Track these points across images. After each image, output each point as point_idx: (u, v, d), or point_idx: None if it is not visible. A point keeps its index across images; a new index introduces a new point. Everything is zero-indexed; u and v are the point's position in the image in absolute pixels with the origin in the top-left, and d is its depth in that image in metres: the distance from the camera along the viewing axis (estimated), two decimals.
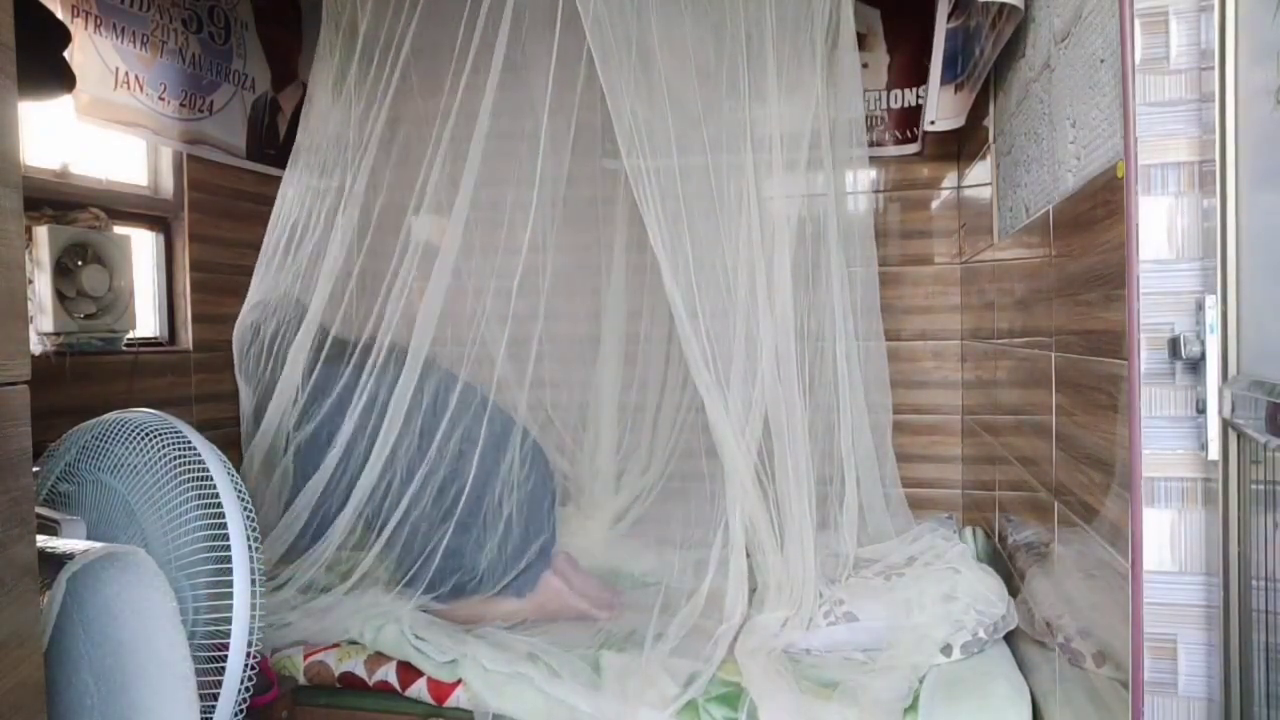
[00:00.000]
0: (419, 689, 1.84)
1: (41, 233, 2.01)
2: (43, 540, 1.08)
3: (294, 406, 2.30)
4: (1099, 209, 1.22)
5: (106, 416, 1.57)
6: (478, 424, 2.22)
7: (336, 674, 1.90)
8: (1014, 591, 1.89)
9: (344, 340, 2.35)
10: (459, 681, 1.82)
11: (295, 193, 2.41)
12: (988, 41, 1.94)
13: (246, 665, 1.38)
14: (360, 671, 1.89)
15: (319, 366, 2.30)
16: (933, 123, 2.39)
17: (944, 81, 2.34)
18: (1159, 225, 1.06)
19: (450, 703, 1.82)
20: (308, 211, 2.37)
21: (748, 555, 2.00)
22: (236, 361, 2.44)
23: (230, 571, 1.40)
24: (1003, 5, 1.71)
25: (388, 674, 1.87)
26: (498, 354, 2.35)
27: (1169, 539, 1.06)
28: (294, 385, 2.30)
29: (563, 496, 2.83)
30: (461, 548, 2.14)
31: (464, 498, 2.15)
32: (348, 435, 2.19)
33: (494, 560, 2.15)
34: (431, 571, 2.11)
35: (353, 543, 2.26)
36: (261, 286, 2.42)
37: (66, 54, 1.98)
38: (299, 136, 2.44)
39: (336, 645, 1.95)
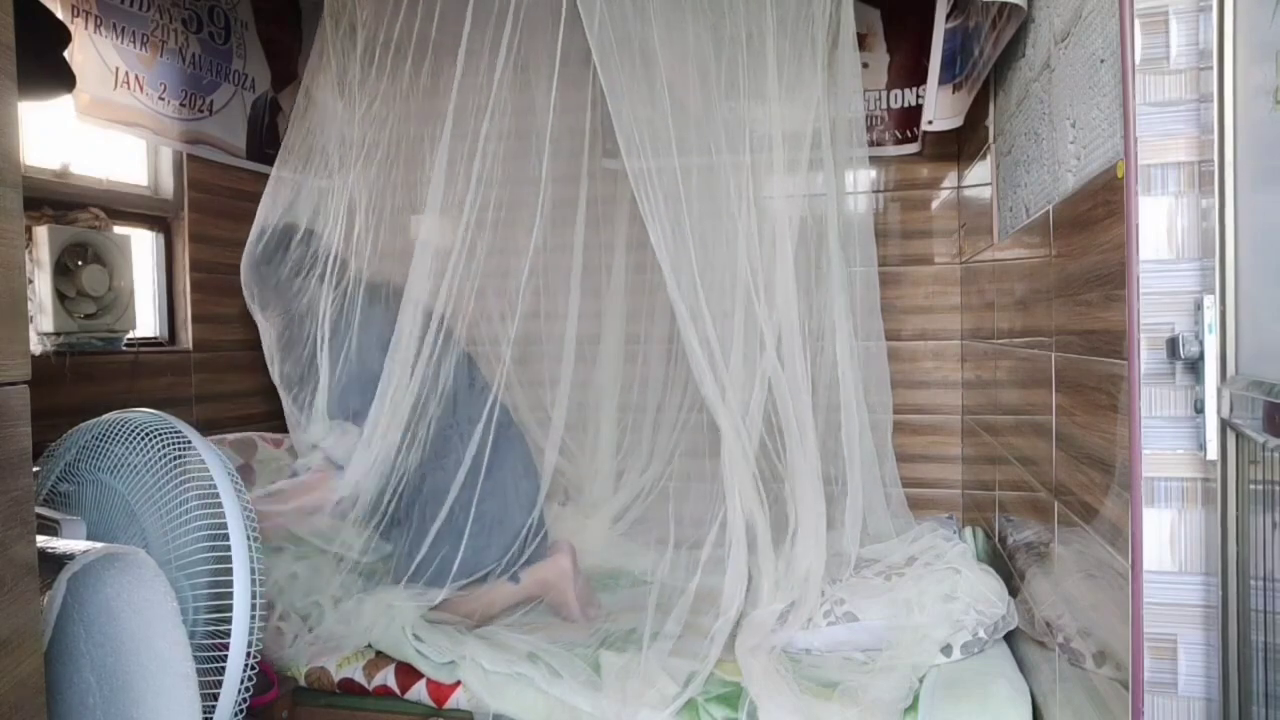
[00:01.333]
0: (418, 691, 1.85)
1: (41, 233, 2.01)
2: (43, 540, 1.09)
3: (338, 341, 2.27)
4: (1099, 209, 1.22)
5: (106, 416, 1.57)
6: (491, 417, 2.22)
7: (336, 680, 1.90)
8: (1014, 591, 1.89)
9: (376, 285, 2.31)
10: (458, 683, 1.82)
11: (289, 191, 2.39)
12: (988, 41, 1.94)
13: (246, 665, 1.38)
14: (359, 677, 1.89)
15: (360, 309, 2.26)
16: (930, 122, 2.39)
17: (942, 81, 2.34)
18: (1159, 225, 1.06)
19: (450, 704, 1.82)
20: (312, 210, 2.37)
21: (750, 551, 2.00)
22: (251, 294, 2.37)
23: (230, 571, 1.40)
24: (1004, 5, 1.71)
25: (386, 678, 1.87)
26: (500, 353, 2.35)
27: (1169, 539, 1.06)
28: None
29: (562, 496, 2.83)
30: (475, 544, 2.15)
31: (472, 482, 2.15)
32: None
33: (501, 544, 2.15)
34: (437, 561, 2.10)
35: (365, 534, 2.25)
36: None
37: (66, 54, 1.98)
38: (289, 135, 2.42)
39: (338, 648, 1.95)
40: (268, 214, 2.36)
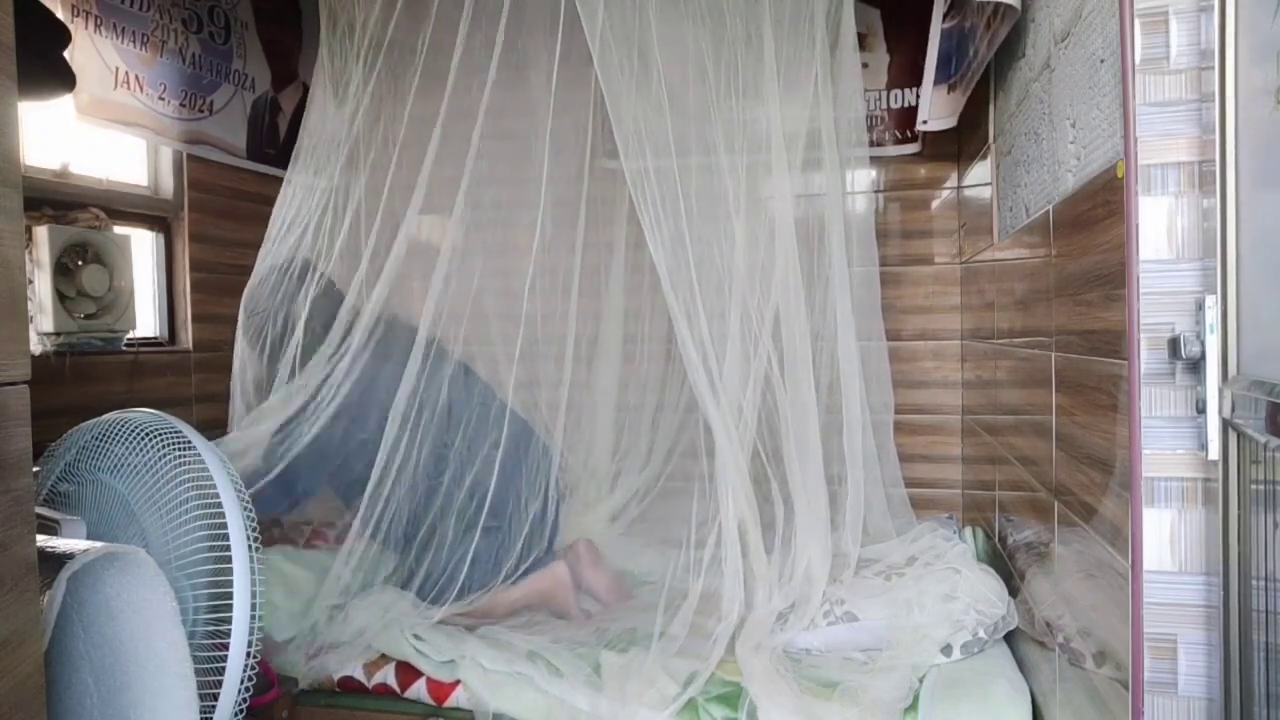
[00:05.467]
0: (418, 690, 1.84)
1: (41, 233, 2.01)
2: (43, 540, 1.08)
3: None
4: (1099, 209, 1.22)
5: (106, 416, 1.57)
6: (498, 428, 2.21)
7: (335, 678, 1.89)
8: (1014, 591, 1.89)
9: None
10: (458, 681, 1.82)
11: (294, 193, 2.39)
12: (982, 42, 1.94)
13: (246, 665, 1.38)
14: (359, 675, 1.89)
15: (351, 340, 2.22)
16: (925, 122, 2.39)
17: (938, 81, 2.34)
18: (1159, 225, 1.06)
19: (450, 703, 1.82)
20: (309, 211, 2.36)
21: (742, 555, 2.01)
22: (243, 320, 2.37)
23: (230, 571, 1.40)
24: (998, 5, 1.71)
25: (386, 676, 1.87)
26: (497, 353, 2.35)
27: (1169, 539, 1.06)
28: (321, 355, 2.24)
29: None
30: (485, 554, 2.14)
31: (488, 503, 2.14)
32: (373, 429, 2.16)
33: (509, 558, 2.15)
34: (460, 580, 2.10)
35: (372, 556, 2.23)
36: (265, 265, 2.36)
37: (66, 54, 1.98)
38: (300, 137, 2.43)
39: (336, 647, 1.95)
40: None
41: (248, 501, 1.48)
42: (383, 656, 1.91)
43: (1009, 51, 1.88)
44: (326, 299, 2.29)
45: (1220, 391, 0.98)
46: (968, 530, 2.35)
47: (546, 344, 2.61)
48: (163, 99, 2.43)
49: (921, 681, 1.72)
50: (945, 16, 2.26)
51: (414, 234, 2.22)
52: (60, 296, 2.06)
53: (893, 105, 2.85)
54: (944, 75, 2.33)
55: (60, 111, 2.12)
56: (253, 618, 1.40)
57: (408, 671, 1.87)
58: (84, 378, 2.15)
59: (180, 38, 2.49)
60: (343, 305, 2.26)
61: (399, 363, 2.17)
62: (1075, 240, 1.36)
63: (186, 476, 1.46)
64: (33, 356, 0.94)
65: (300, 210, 2.35)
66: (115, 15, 2.26)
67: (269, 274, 2.33)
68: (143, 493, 1.46)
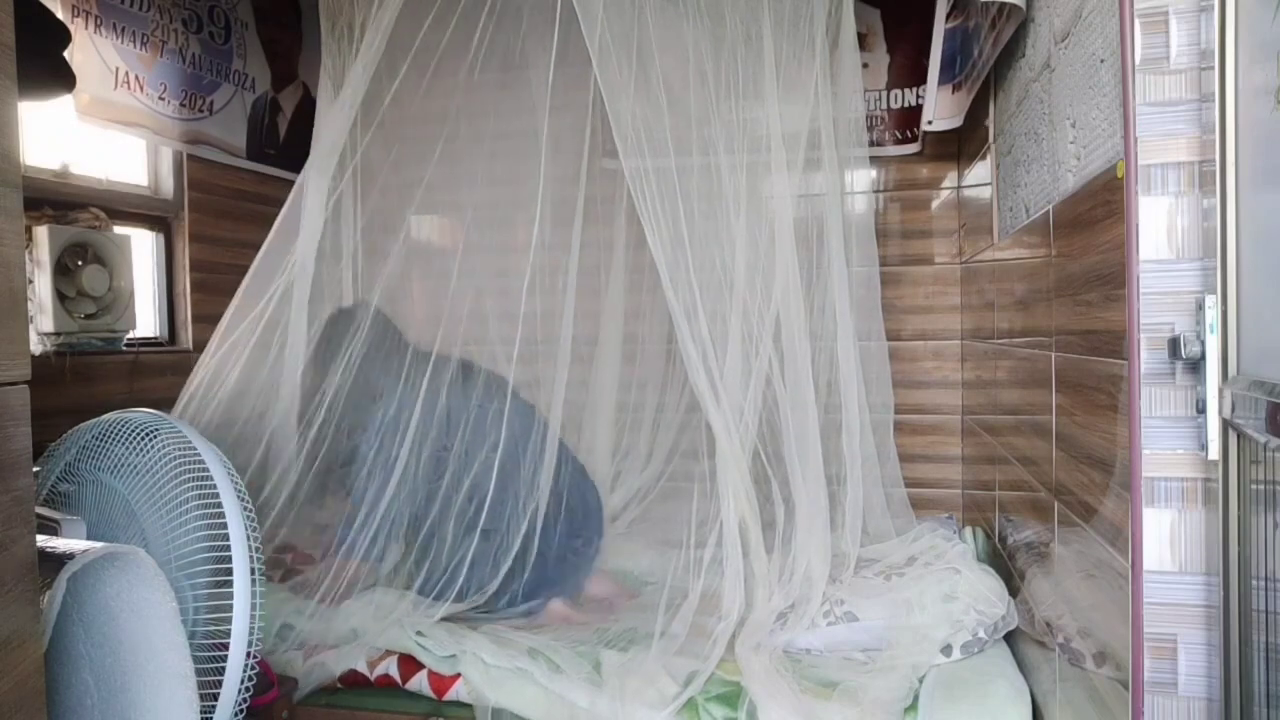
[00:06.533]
0: (419, 682, 1.84)
1: (41, 233, 2.01)
2: (43, 540, 1.08)
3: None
4: (1099, 209, 1.22)
5: (106, 416, 1.57)
6: (496, 429, 2.20)
7: (337, 673, 1.89)
8: (1014, 591, 1.89)
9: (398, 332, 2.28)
10: (459, 674, 1.82)
11: (305, 195, 2.38)
12: (987, 42, 1.94)
13: (246, 665, 1.38)
14: (361, 667, 1.89)
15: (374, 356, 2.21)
16: (930, 123, 2.40)
17: (942, 82, 2.34)
18: (1159, 225, 1.06)
19: (451, 695, 1.82)
20: (319, 213, 2.36)
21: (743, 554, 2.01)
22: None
23: (230, 571, 1.40)
24: (1003, 5, 1.71)
25: (388, 668, 1.87)
26: (497, 353, 2.35)
27: (1169, 539, 1.06)
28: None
29: None
30: (483, 556, 2.13)
31: (486, 506, 2.14)
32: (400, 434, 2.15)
33: (506, 560, 2.15)
34: (459, 583, 2.09)
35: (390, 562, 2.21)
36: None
37: (66, 54, 1.98)
38: (314, 141, 2.41)
39: (335, 647, 1.95)
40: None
41: (248, 501, 1.48)
42: (385, 650, 1.92)
43: (1009, 51, 1.88)
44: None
45: (1220, 391, 0.98)
46: (968, 530, 2.35)
47: (546, 344, 2.60)
48: (163, 99, 2.43)
49: (921, 681, 1.72)
50: (948, 16, 2.26)
51: (414, 234, 2.22)
52: (60, 296, 2.06)
53: (893, 105, 2.85)
54: (948, 75, 2.33)
55: (60, 111, 2.12)
56: (253, 618, 1.40)
57: (409, 663, 1.87)
58: (84, 378, 2.15)
59: (180, 38, 2.49)
60: (344, 305, 2.26)
61: (397, 366, 2.17)
62: (1075, 240, 1.36)
63: (187, 476, 1.46)
64: (33, 356, 0.94)
65: (310, 211, 2.34)
66: (115, 15, 2.26)
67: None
68: (143, 493, 1.46)
